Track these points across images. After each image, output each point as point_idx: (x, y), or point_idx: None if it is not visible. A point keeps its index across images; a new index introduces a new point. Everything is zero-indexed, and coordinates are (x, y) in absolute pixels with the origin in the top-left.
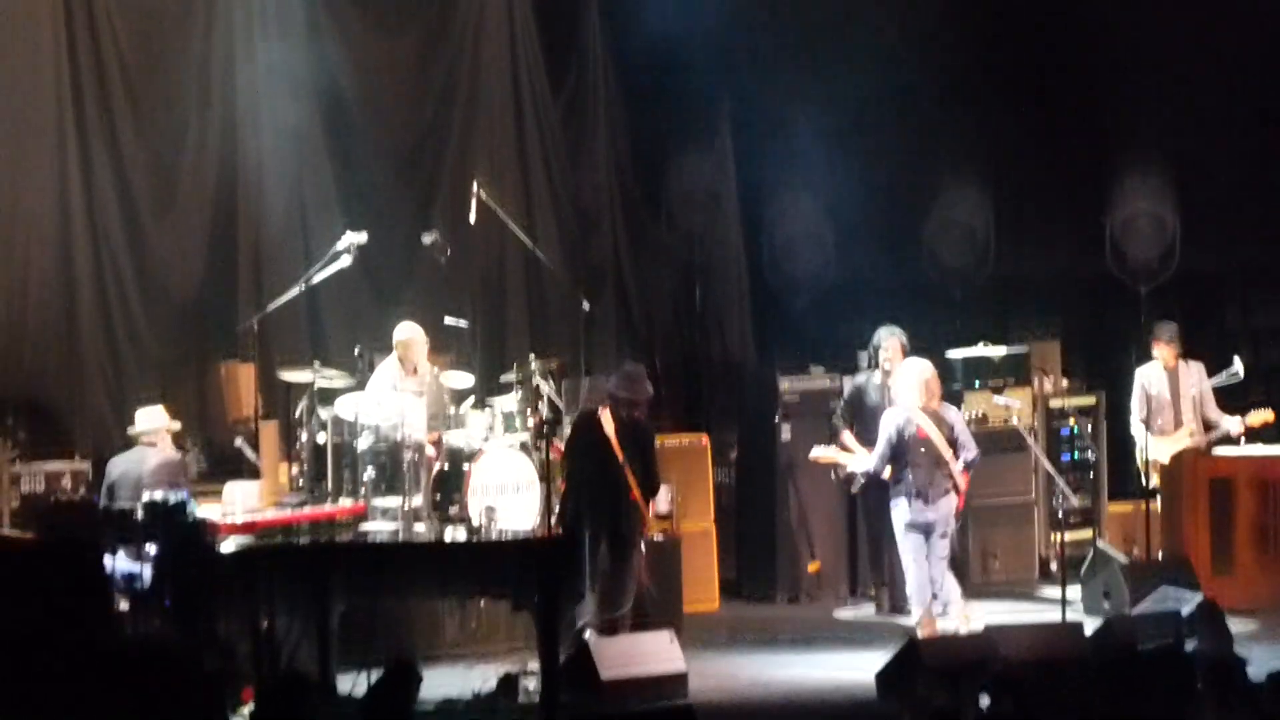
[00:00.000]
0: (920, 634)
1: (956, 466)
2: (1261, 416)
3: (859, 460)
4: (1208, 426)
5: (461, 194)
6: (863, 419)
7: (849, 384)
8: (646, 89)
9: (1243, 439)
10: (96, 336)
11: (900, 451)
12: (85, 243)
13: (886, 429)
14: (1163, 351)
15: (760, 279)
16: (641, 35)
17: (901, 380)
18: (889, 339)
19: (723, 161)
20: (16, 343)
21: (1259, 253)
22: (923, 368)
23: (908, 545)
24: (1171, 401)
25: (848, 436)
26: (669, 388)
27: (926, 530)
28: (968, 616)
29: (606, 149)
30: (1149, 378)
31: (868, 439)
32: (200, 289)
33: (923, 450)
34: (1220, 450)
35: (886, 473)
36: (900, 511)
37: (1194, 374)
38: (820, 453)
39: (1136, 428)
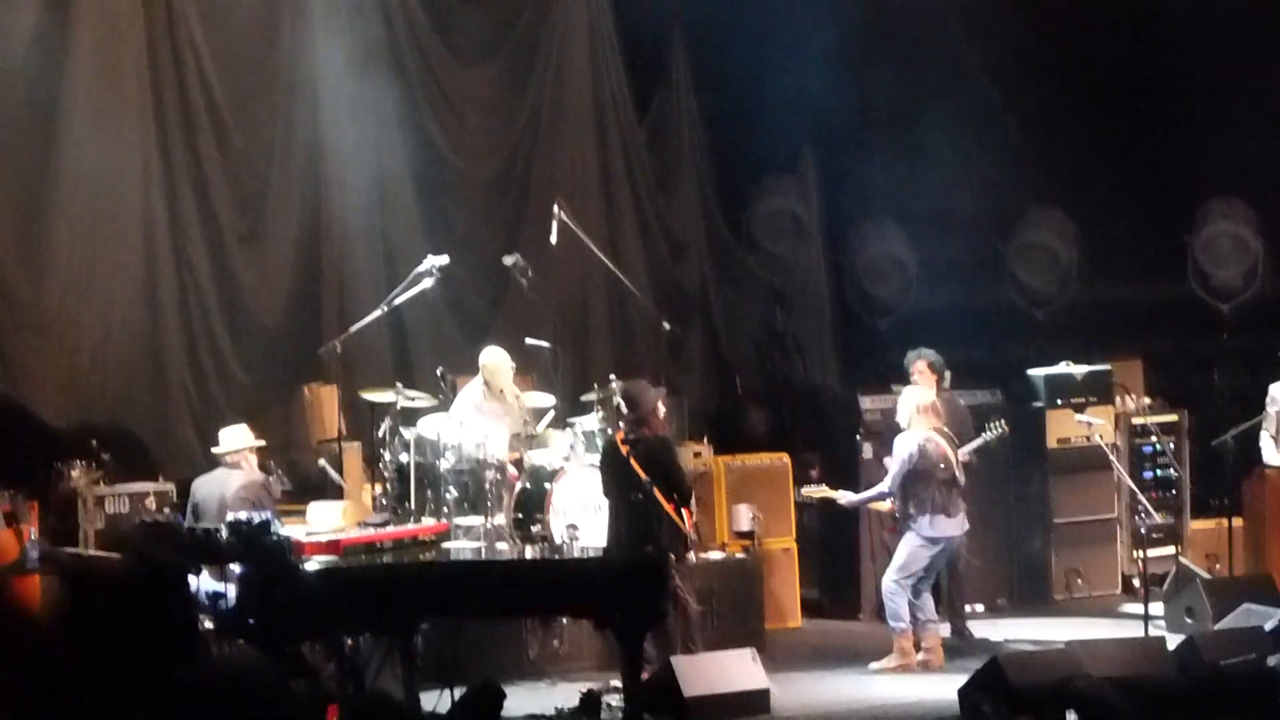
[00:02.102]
0: (901, 660)
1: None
2: None
3: (848, 494)
4: None
5: (546, 218)
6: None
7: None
8: (731, 115)
9: None
10: (181, 362)
11: (922, 470)
12: (170, 270)
13: (908, 449)
14: None
15: (843, 302)
16: (726, 61)
17: (915, 404)
18: (916, 360)
19: (806, 186)
20: (101, 368)
21: None
22: (930, 394)
23: (915, 563)
24: None
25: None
26: (753, 409)
27: (945, 546)
28: (939, 644)
29: (692, 174)
30: (1277, 393)
31: None
32: (284, 314)
33: (943, 468)
34: None
35: (888, 502)
36: (921, 527)
37: None
38: (811, 490)
39: (1266, 444)
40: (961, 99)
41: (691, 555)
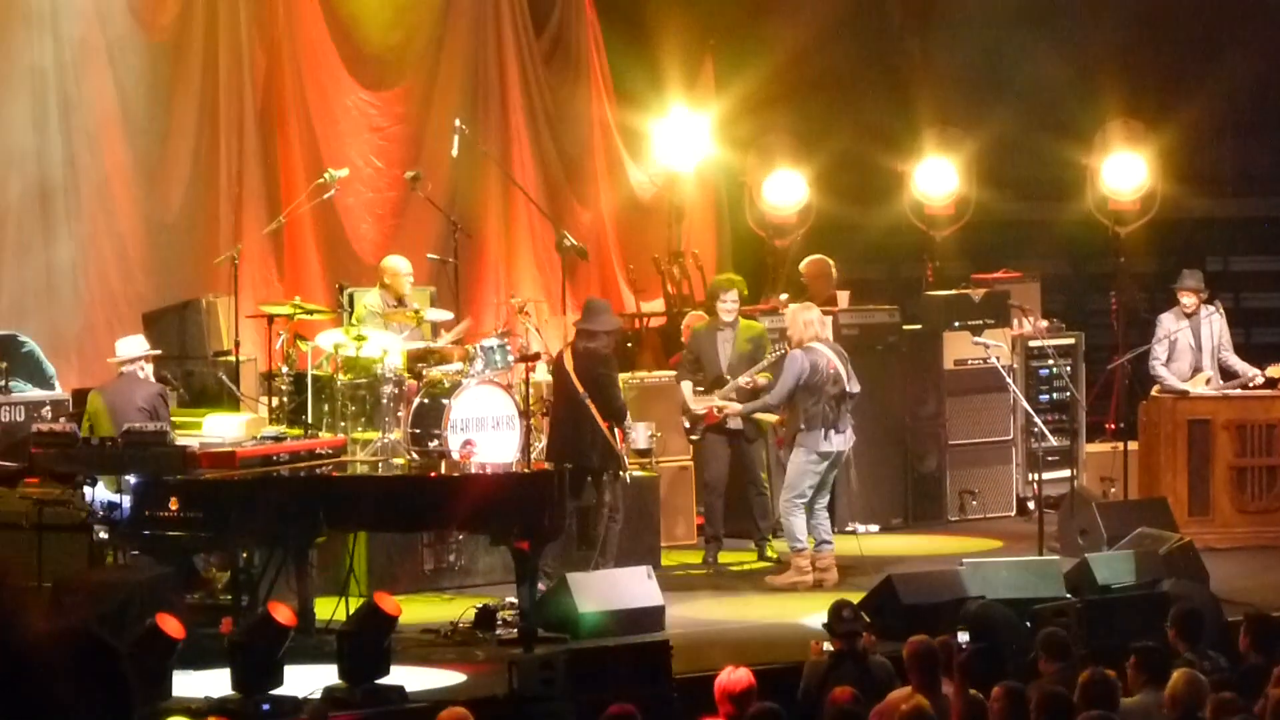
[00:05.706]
0: (796, 577)
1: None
2: None
3: (733, 404)
4: (1228, 374)
5: (445, 133)
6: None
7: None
8: (631, 29)
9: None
10: (77, 269)
11: (813, 385)
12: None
13: (798, 365)
14: (1186, 298)
15: (742, 220)
16: None
17: (806, 319)
18: (728, 290)
19: (705, 102)
20: None
21: (1240, 198)
22: (816, 308)
23: (805, 481)
24: (1192, 348)
25: (688, 387)
26: (650, 328)
27: (835, 461)
28: (834, 564)
29: (590, 90)
30: (1170, 323)
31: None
32: (182, 222)
33: (834, 383)
34: (1198, 391)
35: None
36: (813, 443)
37: (1216, 321)
38: (696, 404)
39: (1159, 372)
40: (862, 18)
41: (625, 475)
